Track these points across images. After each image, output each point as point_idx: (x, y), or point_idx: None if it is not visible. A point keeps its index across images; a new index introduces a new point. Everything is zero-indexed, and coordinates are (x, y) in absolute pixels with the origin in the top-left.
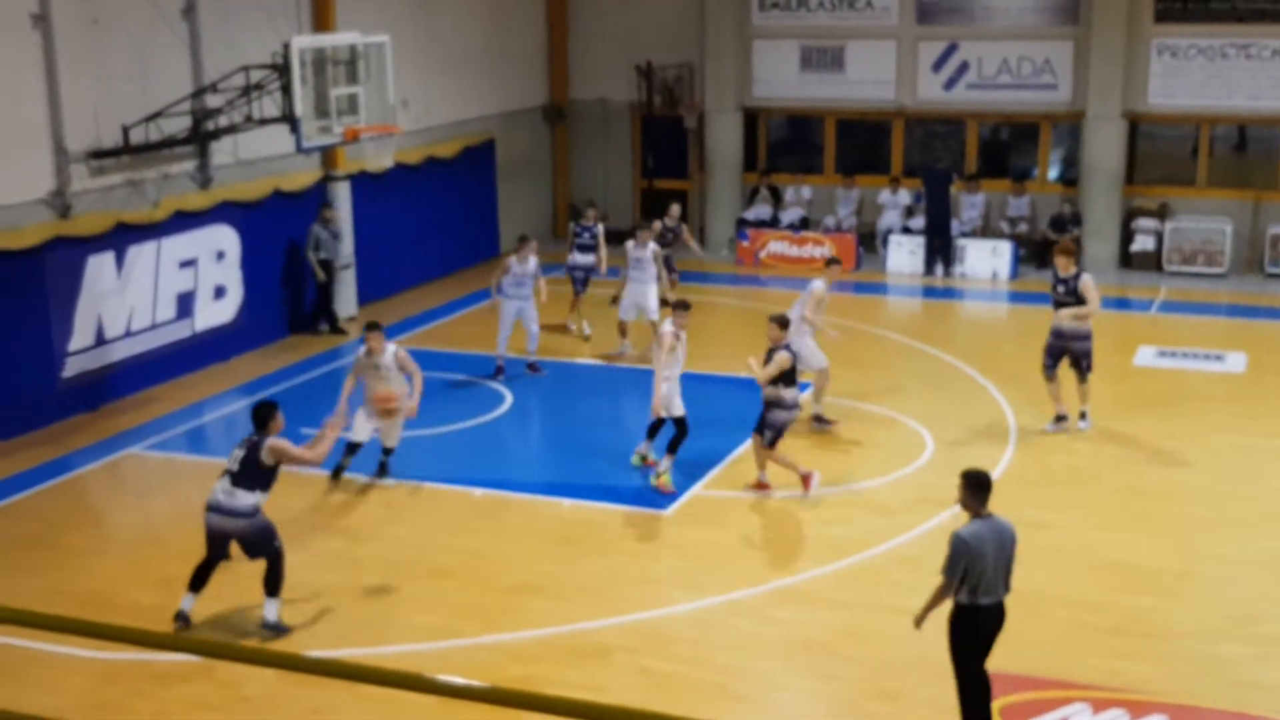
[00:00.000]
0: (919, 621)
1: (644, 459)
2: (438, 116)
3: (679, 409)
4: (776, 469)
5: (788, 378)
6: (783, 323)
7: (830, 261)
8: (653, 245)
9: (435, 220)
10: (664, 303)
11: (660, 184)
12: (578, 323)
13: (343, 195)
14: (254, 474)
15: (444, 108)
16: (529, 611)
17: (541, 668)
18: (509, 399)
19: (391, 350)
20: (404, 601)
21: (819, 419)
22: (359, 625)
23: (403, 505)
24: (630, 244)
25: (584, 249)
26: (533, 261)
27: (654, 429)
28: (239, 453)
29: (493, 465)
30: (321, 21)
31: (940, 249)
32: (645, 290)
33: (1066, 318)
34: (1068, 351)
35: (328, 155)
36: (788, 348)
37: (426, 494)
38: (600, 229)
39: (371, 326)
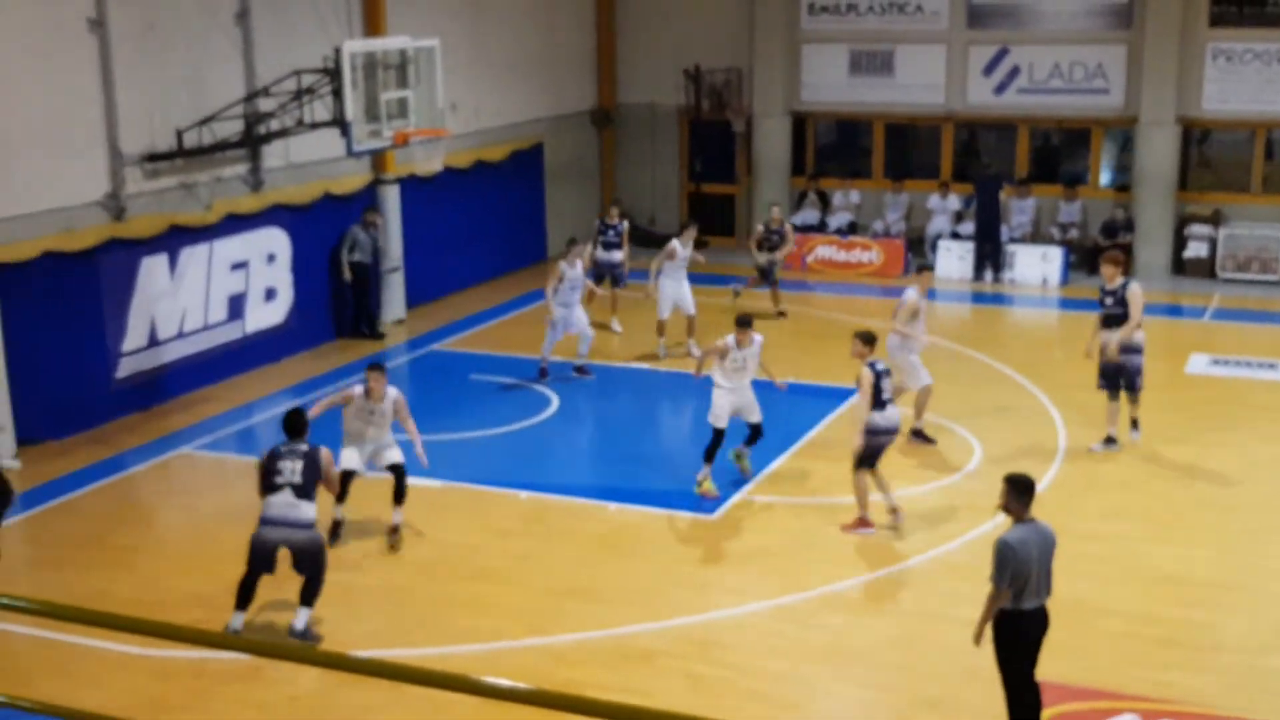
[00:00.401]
0: (978, 637)
1: (739, 457)
2: (487, 120)
3: (753, 415)
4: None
5: (876, 399)
6: (866, 338)
7: (921, 268)
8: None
9: (483, 223)
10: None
11: (708, 188)
12: (613, 315)
13: (392, 199)
14: (313, 484)
15: (493, 112)
16: (574, 615)
17: (586, 671)
18: (555, 402)
19: (392, 396)
20: (449, 603)
21: (918, 434)
22: (405, 626)
23: (449, 507)
24: (676, 242)
25: (609, 246)
26: (579, 265)
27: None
28: (296, 464)
29: (539, 469)
30: (372, 26)
31: (990, 254)
32: (683, 288)
33: (1113, 349)
34: (1120, 369)
35: (377, 159)
36: (872, 366)
37: (472, 496)
38: (625, 226)
39: (374, 367)
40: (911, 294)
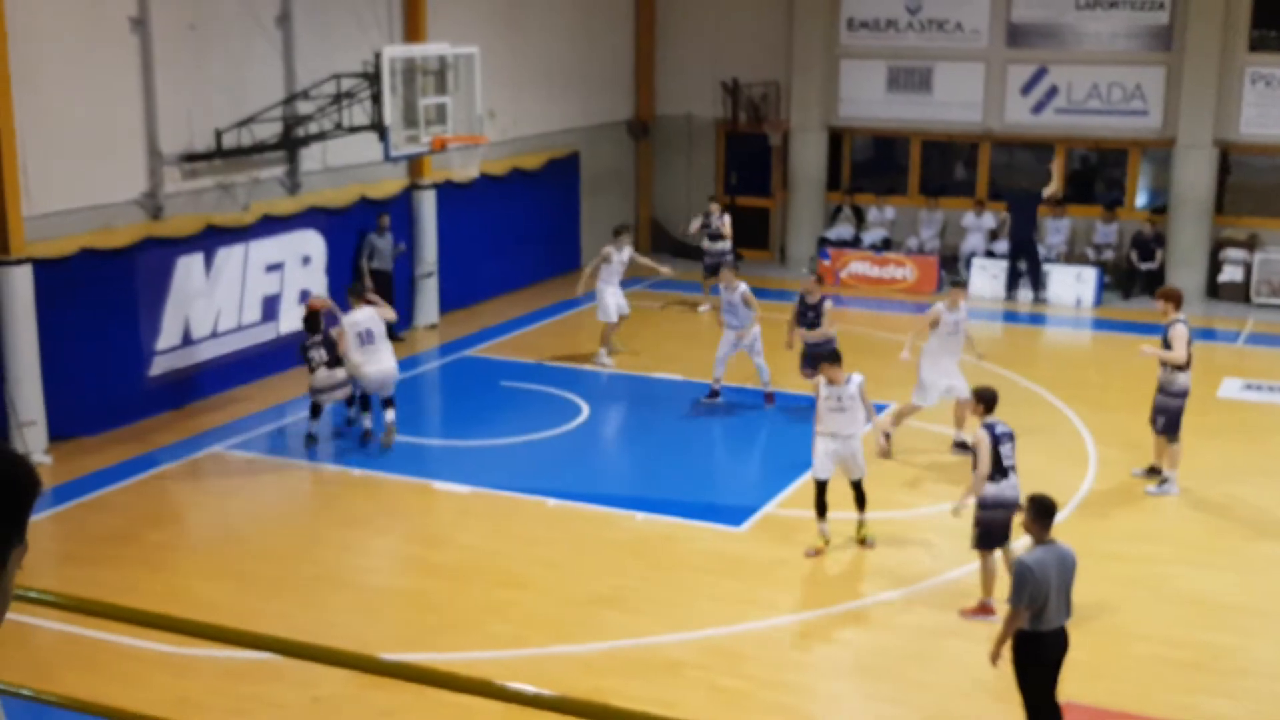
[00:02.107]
0: (995, 656)
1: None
2: (524, 128)
3: (855, 471)
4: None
5: (996, 466)
6: (984, 397)
7: (954, 283)
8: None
9: (518, 231)
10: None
11: (743, 201)
12: (708, 299)
13: (428, 204)
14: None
15: (530, 120)
16: (600, 623)
17: (611, 680)
18: (586, 410)
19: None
20: (475, 609)
21: (960, 445)
22: (431, 630)
23: (476, 513)
24: (610, 248)
25: (714, 237)
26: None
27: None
28: (320, 352)
29: (567, 476)
30: (412, 32)
31: (1029, 271)
32: (619, 292)
33: (1160, 375)
34: (1158, 410)
35: (414, 164)
36: (991, 429)
37: (500, 503)
38: (727, 219)
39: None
40: (938, 307)
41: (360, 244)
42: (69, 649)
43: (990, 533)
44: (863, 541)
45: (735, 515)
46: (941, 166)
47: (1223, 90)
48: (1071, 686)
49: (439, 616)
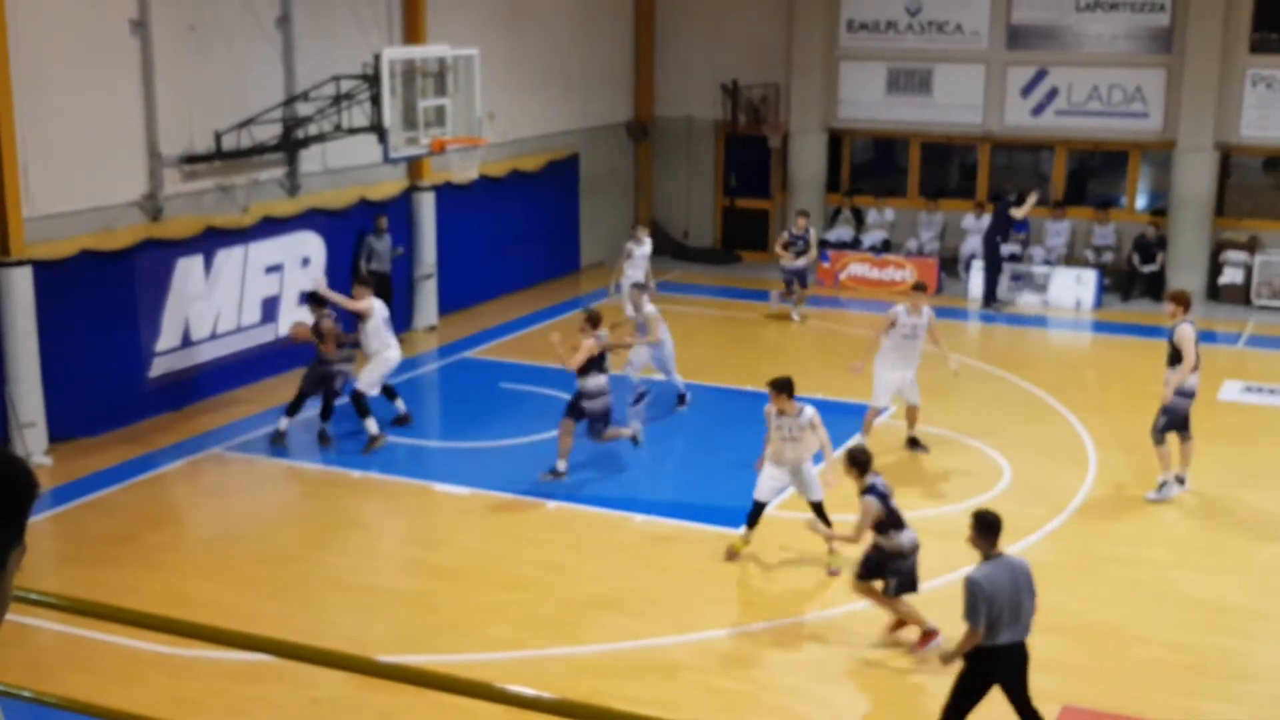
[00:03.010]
0: (946, 662)
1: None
2: (523, 130)
3: (812, 493)
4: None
5: (892, 520)
6: (857, 460)
7: (915, 286)
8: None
9: (517, 233)
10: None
11: (742, 203)
12: (799, 310)
13: (427, 206)
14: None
15: (530, 121)
16: (599, 625)
17: (610, 682)
18: None
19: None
20: (474, 611)
21: (913, 442)
22: (430, 632)
23: (475, 515)
24: (631, 243)
25: (799, 254)
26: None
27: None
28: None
29: (566, 478)
30: (412, 34)
31: (985, 275)
32: None
33: (1166, 392)
34: (1163, 411)
35: (414, 166)
36: (874, 488)
37: (499, 504)
38: (812, 234)
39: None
40: (896, 309)
41: (358, 246)
42: (69, 650)
43: (905, 581)
44: (829, 569)
45: (734, 517)
46: (941, 168)
47: (1223, 92)
48: (1072, 690)
49: (438, 618)
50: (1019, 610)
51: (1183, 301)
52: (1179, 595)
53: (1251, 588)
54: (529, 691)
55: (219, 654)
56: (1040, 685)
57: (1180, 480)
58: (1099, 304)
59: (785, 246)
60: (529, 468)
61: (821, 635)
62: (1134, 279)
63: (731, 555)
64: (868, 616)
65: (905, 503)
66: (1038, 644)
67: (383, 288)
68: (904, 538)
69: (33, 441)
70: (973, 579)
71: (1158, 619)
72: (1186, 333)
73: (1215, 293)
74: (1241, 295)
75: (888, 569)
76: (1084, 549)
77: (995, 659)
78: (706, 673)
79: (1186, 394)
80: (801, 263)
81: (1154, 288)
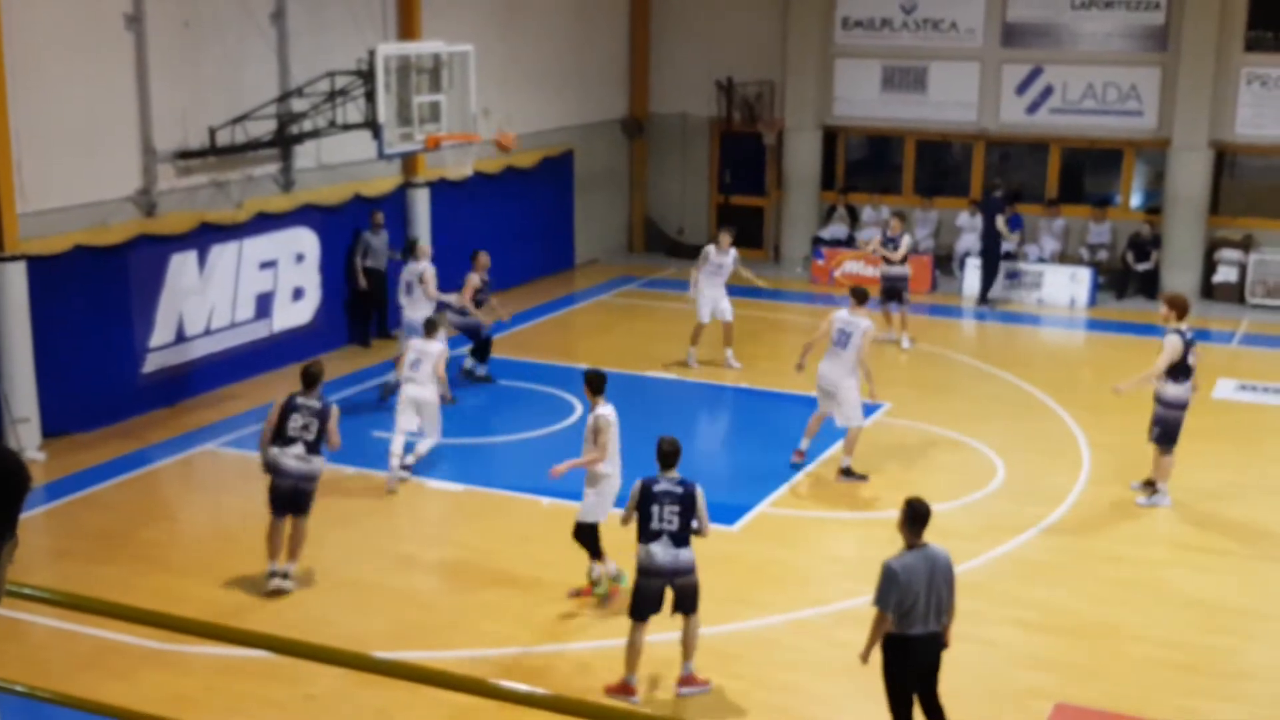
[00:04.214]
0: (864, 656)
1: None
2: (518, 126)
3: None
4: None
5: (644, 529)
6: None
7: (853, 291)
8: (733, 251)
9: (512, 229)
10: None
11: (737, 200)
12: (899, 333)
13: (422, 202)
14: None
15: (524, 118)
16: (594, 623)
17: (605, 679)
18: (579, 409)
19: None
20: (470, 608)
21: (847, 472)
22: (425, 629)
23: (471, 512)
24: (711, 248)
25: (891, 260)
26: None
27: None
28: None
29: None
30: (407, 30)
31: (982, 273)
32: (720, 294)
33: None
34: (1155, 420)
35: (408, 162)
36: (647, 486)
37: (494, 501)
38: (906, 239)
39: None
40: (834, 315)
41: (354, 242)
42: (62, 645)
43: (644, 600)
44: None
45: (728, 515)
46: (936, 166)
47: (1218, 91)
48: (1068, 689)
49: (433, 615)
50: (934, 602)
51: (1176, 306)
52: (1174, 594)
53: (1247, 586)
54: (523, 688)
55: (214, 650)
56: (1036, 684)
57: (1150, 484)
58: (1093, 302)
59: (883, 246)
60: (524, 464)
61: (816, 632)
62: (1129, 277)
63: (580, 592)
64: (862, 614)
65: (895, 500)
66: (1033, 643)
67: (377, 283)
68: (650, 551)
69: (26, 437)
70: (889, 565)
71: (1154, 618)
72: (1170, 342)
73: (1210, 291)
74: (1236, 294)
75: (635, 585)
76: (1078, 547)
77: (908, 648)
78: (701, 670)
79: (1178, 406)
80: (904, 269)
81: (1149, 286)
